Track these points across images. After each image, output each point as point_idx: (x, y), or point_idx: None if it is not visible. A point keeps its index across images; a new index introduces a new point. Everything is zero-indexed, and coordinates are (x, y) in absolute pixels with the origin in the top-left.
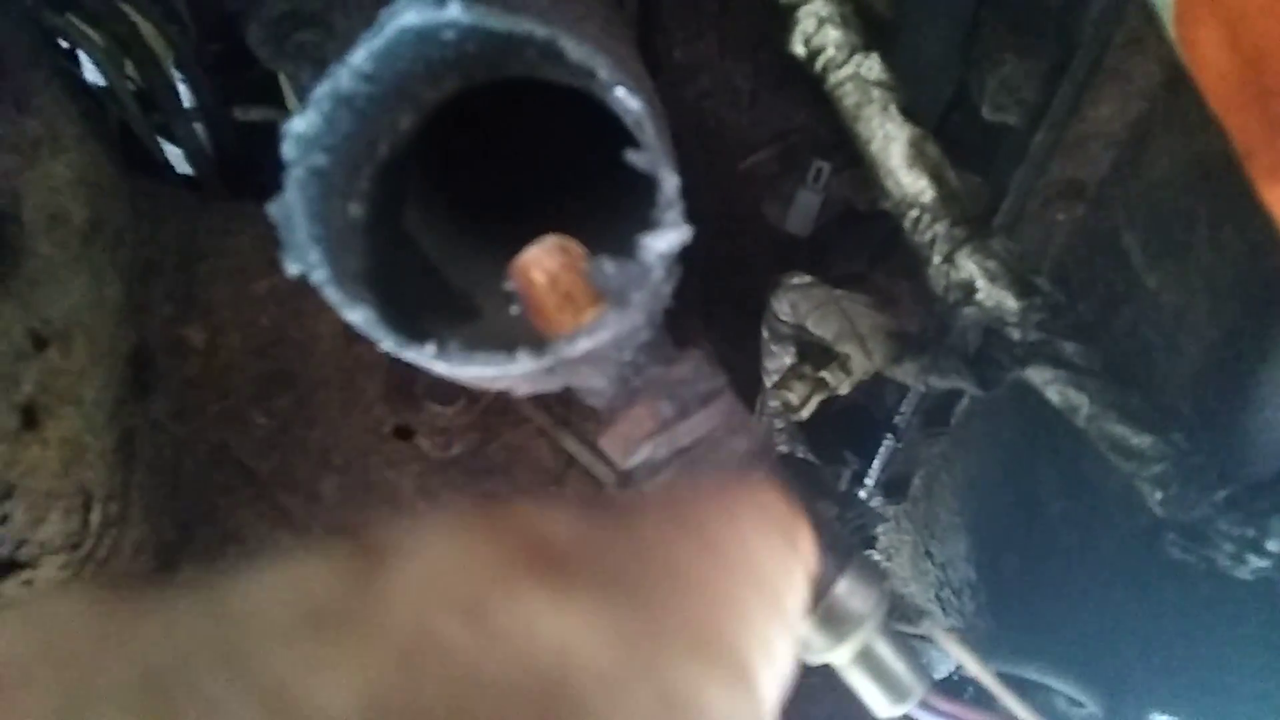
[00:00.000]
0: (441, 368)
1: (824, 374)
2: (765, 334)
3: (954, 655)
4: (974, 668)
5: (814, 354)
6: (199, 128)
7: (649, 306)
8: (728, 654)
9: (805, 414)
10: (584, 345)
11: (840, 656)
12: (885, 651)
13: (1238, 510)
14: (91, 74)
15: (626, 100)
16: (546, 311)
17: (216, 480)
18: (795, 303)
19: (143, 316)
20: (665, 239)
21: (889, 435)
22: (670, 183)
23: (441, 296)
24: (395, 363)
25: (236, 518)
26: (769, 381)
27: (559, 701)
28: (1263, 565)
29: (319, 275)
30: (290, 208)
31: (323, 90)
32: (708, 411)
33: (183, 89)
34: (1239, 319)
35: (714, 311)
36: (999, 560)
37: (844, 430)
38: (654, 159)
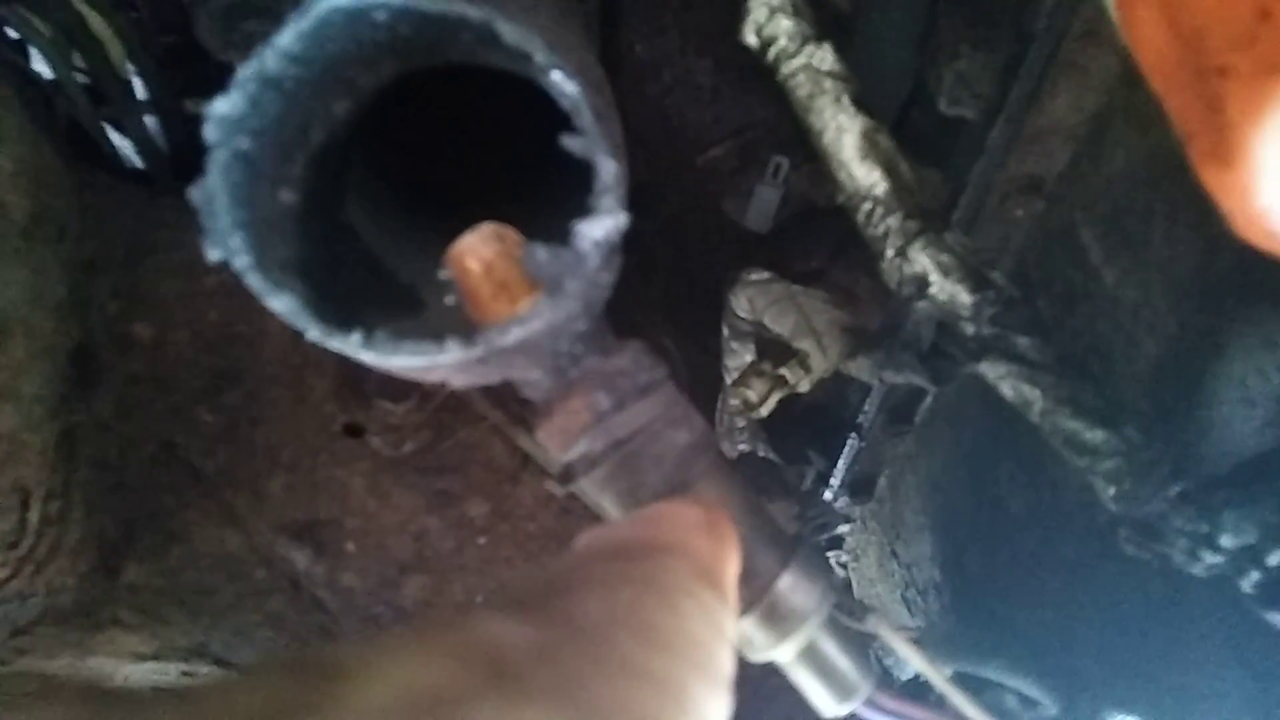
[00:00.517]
0: (368, 357)
1: (783, 371)
2: (725, 331)
3: (898, 649)
4: (917, 661)
5: (773, 351)
6: (150, 120)
7: (585, 295)
8: None
9: (765, 411)
10: (517, 335)
11: (784, 654)
12: (830, 648)
13: (1191, 506)
14: (40, 66)
15: (563, 84)
16: (481, 300)
17: (162, 479)
18: (753, 298)
19: (87, 312)
20: (601, 226)
21: (853, 435)
22: (607, 169)
23: (385, 289)
24: (345, 360)
25: (182, 517)
26: (729, 379)
27: None
28: (1216, 561)
29: (240, 262)
30: (212, 192)
31: (247, 72)
32: (646, 403)
33: (134, 82)
34: (1195, 314)
35: (676, 309)
36: (962, 560)
37: (808, 430)
38: (591, 144)
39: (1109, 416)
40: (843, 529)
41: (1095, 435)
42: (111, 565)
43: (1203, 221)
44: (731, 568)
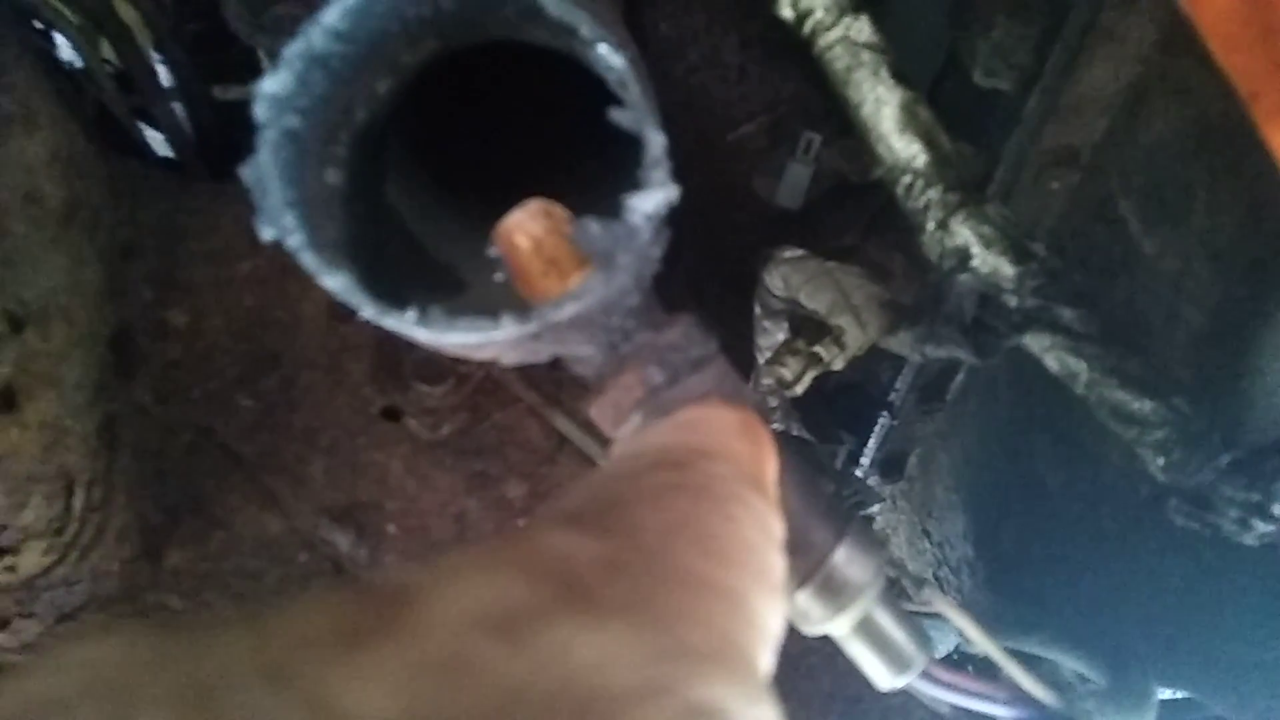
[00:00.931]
0: (423, 335)
1: (818, 348)
2: (758, 310)
3: (957, 624)
4: (976, 635)
5: (807, 329)
6: (178, 108)
7: (636, 269)
8: (742, 660)
9: (799, 390)
10: (570, 310)
11: (839, 627)
12: (885, 621)
13: (1242, 474)
14: (68, 54)
15: (609, 57)
16: (531, 277)
17: (202, 464)
18: (787, 276)
19: (123, 299)
20: (652, 199)
21: (884, 413)
22: (656, 141)
23: (426, 270)
24: (382, 343)
25: (223, 502)
26: (762, 359)
27: (593, 716)
28: (1268, 530)
29: (294, 241)
30: (263, 171)
31: (295, 49)
32: (699, 377)
33: (162, 69)
34: (1238, 283)
35: (704, 289)
36: (997, 536)
37: (839, 409)
38: (639, 117)
39: (1157, 386)
40: (874, 509)
41: (1143, 405)
42: (154, 551)
43: (1244, 190)
44: (771, 470)
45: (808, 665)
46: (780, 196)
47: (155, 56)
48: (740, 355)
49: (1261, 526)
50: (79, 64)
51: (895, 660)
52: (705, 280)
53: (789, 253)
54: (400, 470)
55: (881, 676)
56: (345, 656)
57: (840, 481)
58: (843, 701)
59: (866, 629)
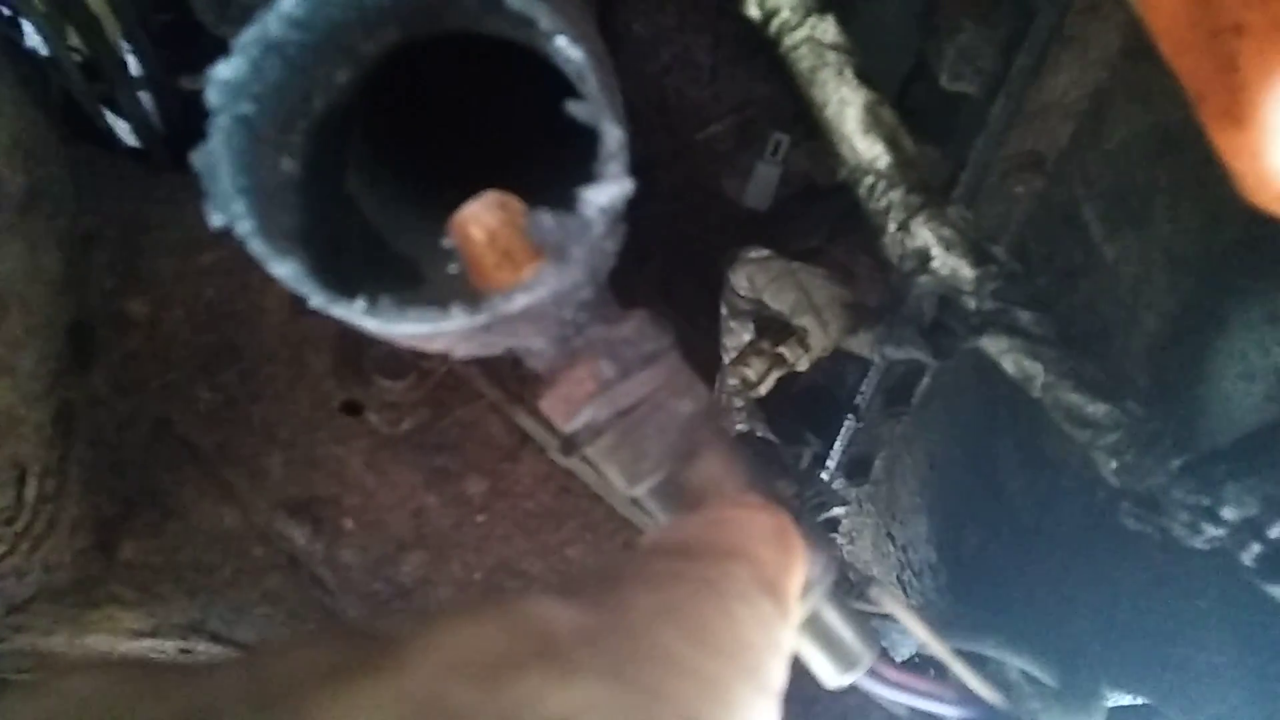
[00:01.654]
0: (373, 325)
1: (782, 349)
2: (724, 310)
3: (903, 621)
4: (922, 634)
5: (772, 330)
6: (145, 97)
7: (590, 262)
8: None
9: (763, 390)
10: (521, 301)
11: None
12: (833, 619)
13: (1193, 478)
14: (34, 42)
15: (567, 50)
16: (485, 269)
17: (159, 456)
18: (752, 276)
19: (83, 288)
20: (606, 192)
21: (849, 416)
22: (612, 135)
23: (385, 262)
24: (344, 337)
25: (179, 494)
26: (727, 359)
27: None
28: (1217, 534)
29: (243, 227)
30: (215, 156)
31: (250, 35)
32: (651, 372)
33: (130, 59)
34: (1196, 290)
35: (673, 290)
36: (959, 540)
37: (805, 411)
38: (596, 110)
39: (1111, 390)
40: (839, 511)
41: (1097, 409)
42: (108, 542)
43: (1205, 197)
44: (795, 580)
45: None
46: (748, 197)
47: (123, 46)
48: (711, 356)
49: (1210, 530)
50: (45, 52)
51: (842, 658)
52: (675, 280)
53: (754, 253)
54: (359, 465)
55: (829, 674)
56: (331, 690)
57: (803, 482)
58: (799, 703)
59: (814, 626)
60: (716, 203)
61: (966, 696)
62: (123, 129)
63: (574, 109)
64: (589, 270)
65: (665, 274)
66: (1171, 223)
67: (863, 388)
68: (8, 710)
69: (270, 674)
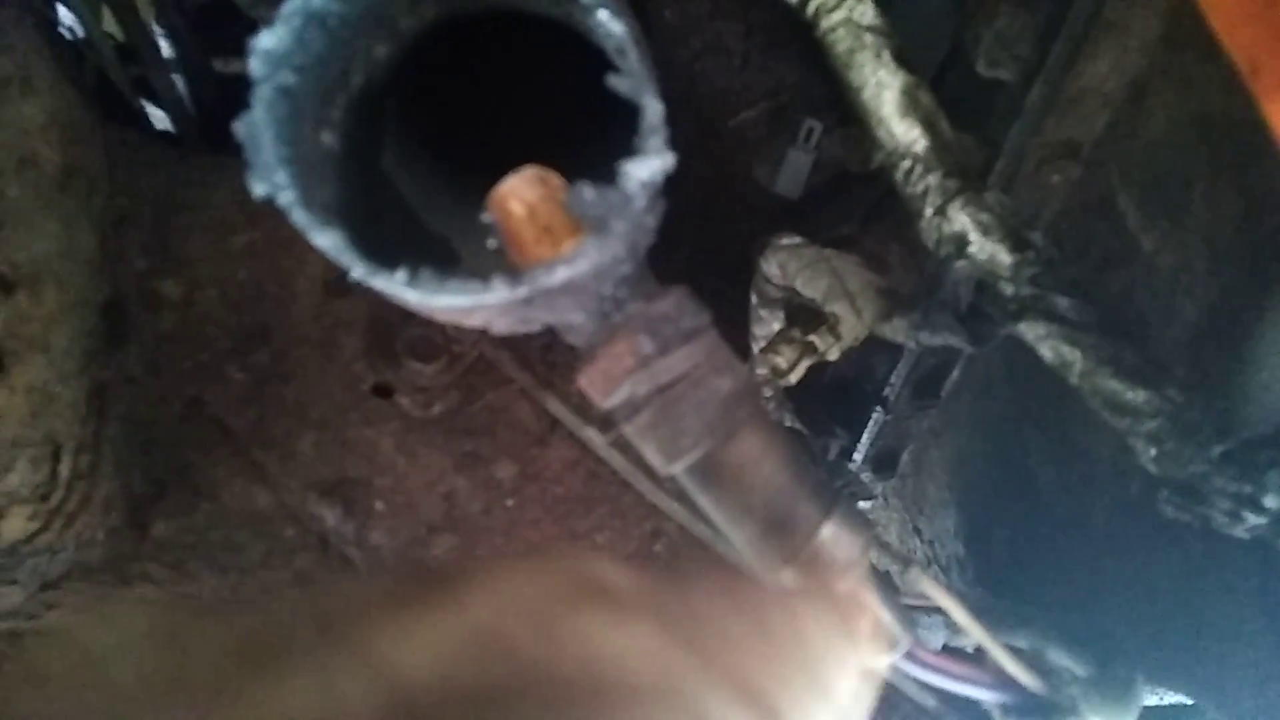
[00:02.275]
0: (413, 297)
1: (813, 338)
2: (754, 299)
3: (941, 603)
4: (961, 617)
5: (803, 318)
6: (179, 80)
7: (630, 236)
8: (765, 702)
9: (794, 379)
10: (562, 275)
11: None
12: (871, 600)
13: (1234, 466)
14: (70, 23)
15: (608, 24)
16: (524, 243)
17: (190, 435)
18: (784, 263)
19: (117, 268)
20: (648, 166)
21: (878, 408)
22: (653, 108)
23: (420, 240)
24: (376, 319)
25: (211, 474)
26: (757, 348)
27: (604, 700)
28: (1259, 523)
29: (285, 197)
30: (257, 126)
31: (293, 6)
32: (689, 348)
33: (164, 41)
34: (1236, 278)
35: (705, 278)
36: (988, 534)
37: (833, 403)
38: (637, 84)
39: (1151, 377)
40: (865, 505)
41: (1137, 395)
42: (140, 521)
43: (1244, 186)
44: (864, 649)
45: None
46: (780, 185)
47: (157, 28)
48: (736, 344)
49: (1252, 519)
50: (80, 33)
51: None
52: (704, 268)
53: (786, 240)
54: (390, 447)
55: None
56: (394, 621)
57: (830, 473)
58: None
59: None
60: (747, 190)
61: (1003, 681)
62: (156, 111)
63: (616, 83)
64: (630, 245)
65: (695, 262)
66: (1210, 211)
67: (892, 380)
68: (62, 639)
69: (333, 603)
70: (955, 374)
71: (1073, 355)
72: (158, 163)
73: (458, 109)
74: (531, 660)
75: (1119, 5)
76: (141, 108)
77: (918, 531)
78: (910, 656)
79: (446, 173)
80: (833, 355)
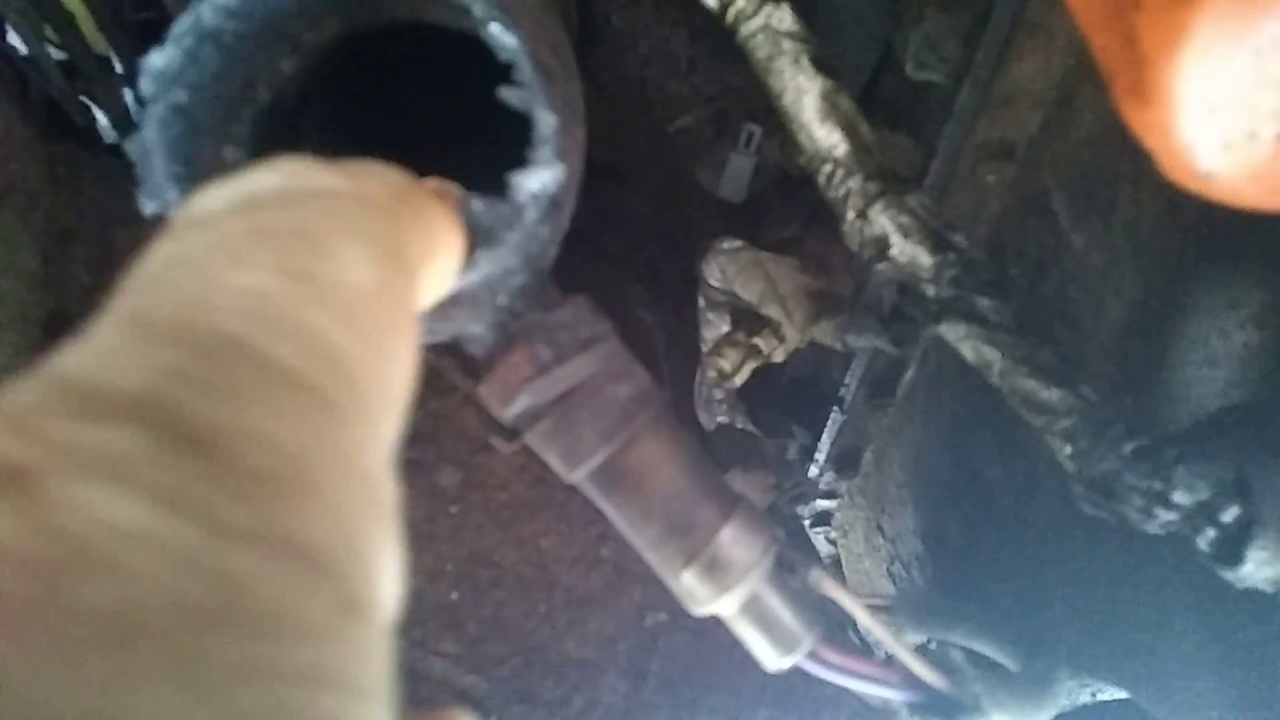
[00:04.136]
0: None
1: (757, 340)
2: (701, 303)
3: (843, 604)
4: (862, 617)
5: (747, 321)
6: (128, 94)
7: (523, 248)
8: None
9: (739, 381)
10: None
11: (726, 607)
12: (773, 601)
13: (1146, 463)
14: (14, 40)
15: (500, 36)
16: None
17: None
18: (724, 267)
19: (61, 282)
20: (538, 177)
21: (835, 408)
22: (545, 121)
23: None
24: None
25: None
26: (705, 350)
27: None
28: (1171, 518)
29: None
30: (148, 144)
31: (183, 25)
32: (588, 356)
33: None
34: (1159, 276)
35: (659, 283)
36: (944, 531)
37: (790, 403)
38: (529, 97)
39: (1065, 375)
40: (829, 504)
41: (1051, 394)
42: None
43: (1165, 183)
44: (429, 246)
45: (742, 655)
46: (723, 189)
47: (104, 43)
48: (691, 347)
49: (1164, 515)
50: (24, 50)
51: (782, 641)
52: (662, 272)
53: (726, 244)
54: None
55: (769, 657)
56: None
57: (782, 473)
58: (774, 693)
59: (753, 609)
60: (697, 195)
61: (910, 679)
62: (104, 126)
63: (508, 95)
64: (523, 256)
65: (654, 266)
66: (1134, 209)
67: (847, 379)
68: None
69: None
70: (910, 373)
71: (992, 355)
72: (104, 178)
73: (379, 122)
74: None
75: (1041, 6)
76: (89, 123)
77: (881, 530)
78: (815, 657)
79: None
80: (778, 357)
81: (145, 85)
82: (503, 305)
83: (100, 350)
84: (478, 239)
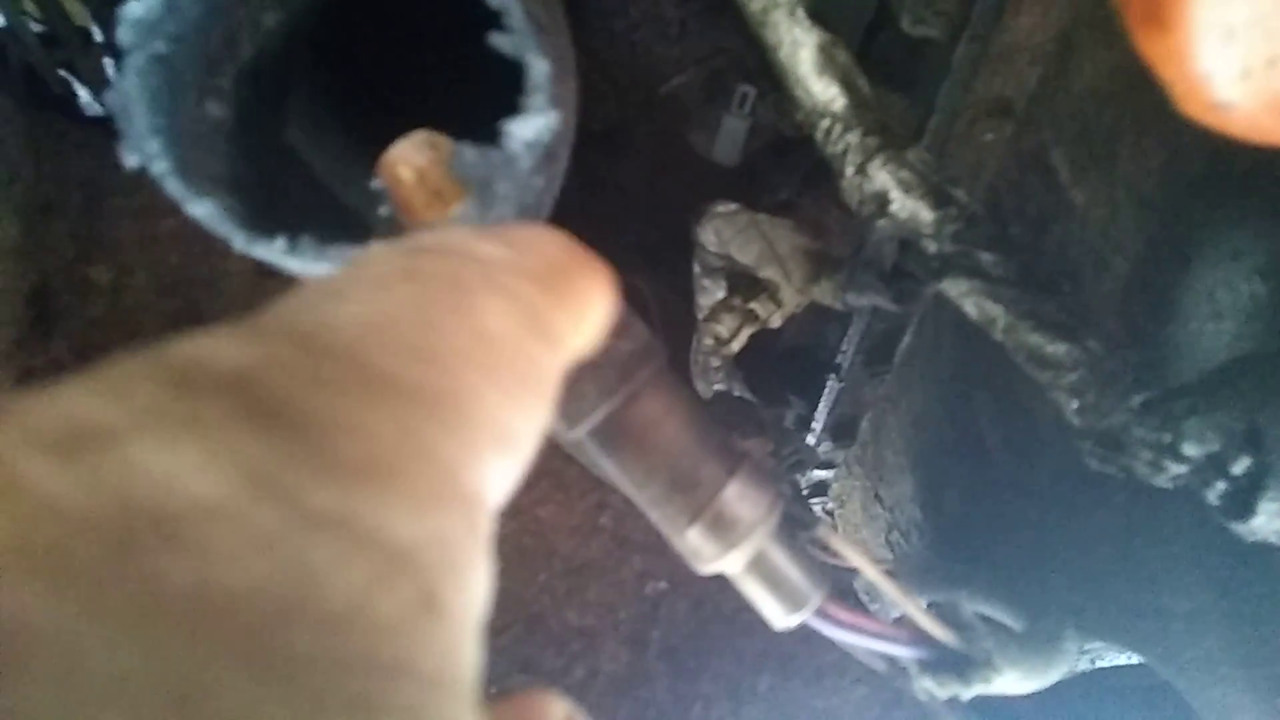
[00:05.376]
0: (295, 265)
1: (753, 305)
2: (696, 268)
3: (849, 558)
4: (871, 572)
5: (743, 286)
6: (108, 64)
7: (518, 199)
8: (412, 474)
9: (736, 347)
10: None
11: (732, 564)
12: (779, 559)
13: (1154, 416)
14: None
15: None
16: (415, 209)
17: None
18: (719, 230)
19: (44, 256)
20: (531, 125)
21: (831, 376)
22: (537, 67)
23: (331, 212)
24: None
25: None
26: (701, 317)
27: (146, 536)
28: (1180, 471)
29: (158, 167)
30: (129, 95)
31: None
32: None
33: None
34: (1161, 230)
35: (653, 250)
36: (942, 496)
37: (786, 371)
38: (519, 42)
39: (1072, 329)
40: (826, 474)
41: (1058, 349)
42: None
43: (1166, 134)
44: (580, 309)
45: (743, 622)
46: (717, 152)
47: (84, 14)
48: (686, 316)
49: (1174, 468)
50: (1, 20)
51: (790, 598)
52: (653, 240)
53: (721, 207)
54: None
55: (776, 615)
56: None
57: (779, 441)
58: (776, 660)
59: (760, 567)
60: (690, 160)
61: (920, 636)
62: (85, 97)
63: (499, 41)
64: (517, 207)
65: (644, 234)
66: (1135, 162)
67: (843, 347)
68: None
69: None
70: (907, 339)
71: (995, 310)
72: (86, 149)
73: (367, 77)
74: (47, 502)
75: None
76: (69, 94)
77: (879, 499)
78: (823, 614)
79: (356, 143)
80: (775, 322)
81: (123, 34)
82: None
83: (207, 338)
84: (472, 189)
